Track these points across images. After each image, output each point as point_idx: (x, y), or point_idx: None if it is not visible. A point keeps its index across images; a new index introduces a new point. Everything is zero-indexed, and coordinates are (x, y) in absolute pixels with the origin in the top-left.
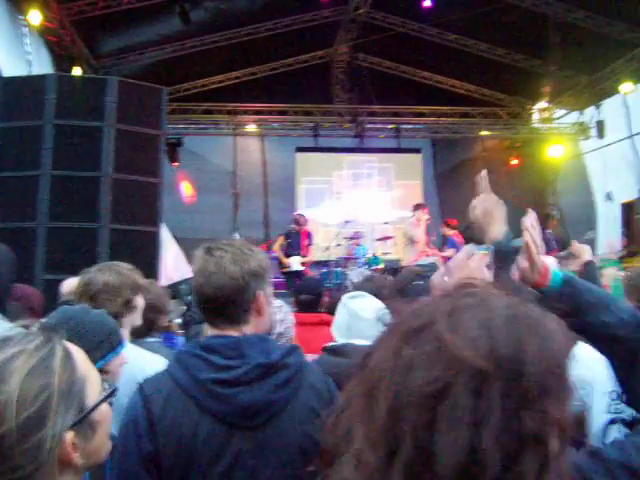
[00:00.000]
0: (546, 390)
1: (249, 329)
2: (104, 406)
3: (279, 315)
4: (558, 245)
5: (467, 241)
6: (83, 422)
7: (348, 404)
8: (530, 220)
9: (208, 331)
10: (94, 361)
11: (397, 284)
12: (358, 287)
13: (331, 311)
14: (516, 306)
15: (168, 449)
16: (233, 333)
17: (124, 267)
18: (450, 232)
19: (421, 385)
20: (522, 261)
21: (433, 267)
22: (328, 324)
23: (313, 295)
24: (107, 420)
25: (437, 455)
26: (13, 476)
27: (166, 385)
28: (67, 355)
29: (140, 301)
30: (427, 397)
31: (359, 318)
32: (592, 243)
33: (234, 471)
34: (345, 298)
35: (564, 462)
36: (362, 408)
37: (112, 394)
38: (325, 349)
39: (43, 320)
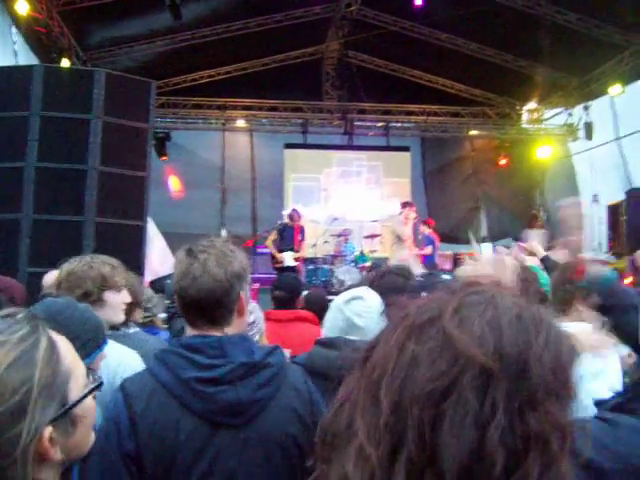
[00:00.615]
0: (550, 392)
1: (231, 330)
2: (88, 400)
3: (252, 316)
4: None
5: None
6: (64, 417)
7: (348, 398)
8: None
9: (188, 331)
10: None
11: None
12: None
13: (311, 307)
14: (523, 306)
15: (150, 447)
16: (215, 334)
17: (100, 260)
18: (427, 230)
19: (426, 381)
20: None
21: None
22: (304, 320)
23: (288, 293)
24: (90, 415)
25: (441, 452)
26: None
27: (148, 383)
28: (52, 347)
29: (112, 297)
30: (431, 394)
31: (355, 327)
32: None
33: (216, 469)
34: (341, 303)
35: (566, 466)
36: (364, 403)
37: (96, 388)
38: (317, 342)
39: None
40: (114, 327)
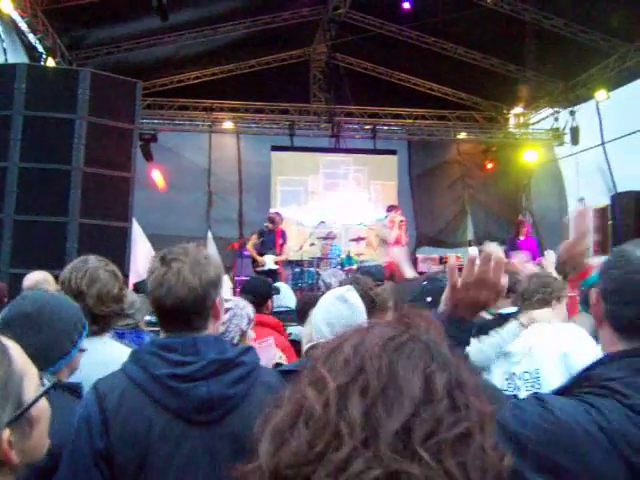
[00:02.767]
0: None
1: (206, 333)
2: (42, 402)
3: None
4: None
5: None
6: (21, 419)
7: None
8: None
9: (162, 335)
10: (76, 341)
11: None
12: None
13: (300, 310)
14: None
15: (122, 446)
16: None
17: (93, 258)
18: None
19: (388, 331)
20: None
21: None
22: (266, 325)
23: (255, 297)
24: (45, 417)
25: (398, 379)
26: None
27: (121, 382)
28: (2, 350)
29: None
30: (391, 339)
31: (359, 311)
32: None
33: (189, 467)
34: (341, 292)
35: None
36: (327, 351)
37: (50, 389)
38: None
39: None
40: None
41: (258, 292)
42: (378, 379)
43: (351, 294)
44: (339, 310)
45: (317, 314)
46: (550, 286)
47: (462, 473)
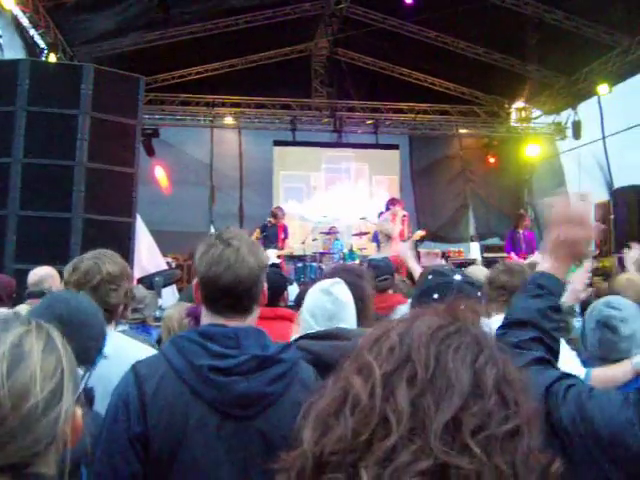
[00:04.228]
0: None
1: (251, 319)
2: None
3: None
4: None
5: None
6: (79, 400)
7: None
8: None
9: (206, 319)
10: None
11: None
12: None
13: (297, 304)
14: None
15: (158, 431)
16: (236, 323)
17: (115, 255)
18: None
19: (435, 321)
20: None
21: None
22: (284, 318)
23: (271, 289)
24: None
25: (446, 371)
26: (34, 450)
27: (160, 367)
28: (63, 342)
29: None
30: (439, 329)
31: (344, 305)
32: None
33: (222, 460)
34: (326, 285)
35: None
36: (373, 337)
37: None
38: (319, 337)
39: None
40: None
41: (273, 285)
42: (426, 369)
43: (337, 287)
44: (322, 302)
45: (304, 306)
46: None
47: (511, 471)
